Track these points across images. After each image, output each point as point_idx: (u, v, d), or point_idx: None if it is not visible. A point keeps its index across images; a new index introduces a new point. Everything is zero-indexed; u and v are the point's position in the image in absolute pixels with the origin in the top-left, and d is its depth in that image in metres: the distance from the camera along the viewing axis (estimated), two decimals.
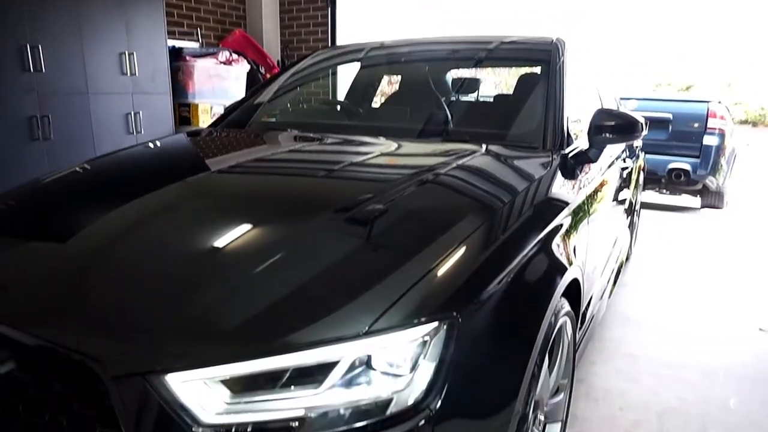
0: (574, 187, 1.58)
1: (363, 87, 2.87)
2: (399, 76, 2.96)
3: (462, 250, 1.02)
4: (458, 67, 2.64)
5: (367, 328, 0.84)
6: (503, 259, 1.06)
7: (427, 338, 0.86)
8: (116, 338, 0.86)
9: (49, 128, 3.61)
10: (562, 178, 1.52)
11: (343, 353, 0.83)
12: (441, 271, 0.95)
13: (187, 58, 4.67)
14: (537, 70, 2.27)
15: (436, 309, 0.89)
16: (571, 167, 1.63)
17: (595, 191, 1.83)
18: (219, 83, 4.77)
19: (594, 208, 1.76)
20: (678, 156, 5.06)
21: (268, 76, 5.44)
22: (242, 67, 4.98)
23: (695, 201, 5.73)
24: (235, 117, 2.27)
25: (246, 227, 1.12)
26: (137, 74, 4.17)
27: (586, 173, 1.75)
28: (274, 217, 1.17)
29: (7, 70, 3.37)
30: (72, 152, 3.77)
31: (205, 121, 4.69)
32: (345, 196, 1.26)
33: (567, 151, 1.65)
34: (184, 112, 4.75)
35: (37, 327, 0.92)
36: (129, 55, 4.10)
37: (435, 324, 0.87)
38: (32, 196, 1.48)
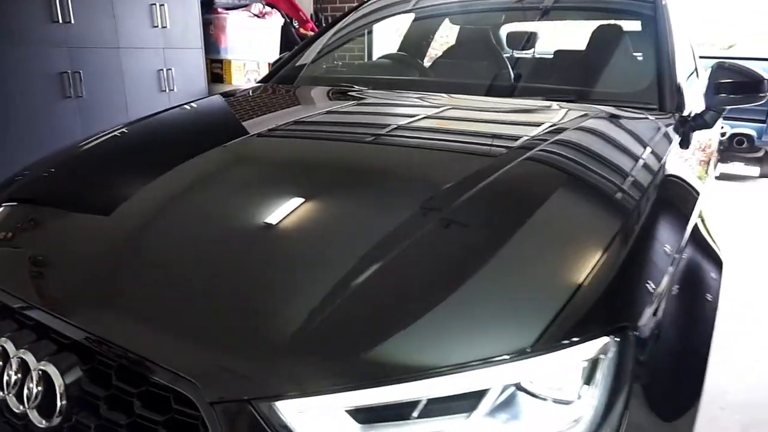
0: (696, 158, 1.35)
1: (417, 40, 2.62)
2: (458, 28, 2.70)
3: (615, 248, 0.80)
4: (538, 19, 2.37)
5: (523, 347, 0.65)
6: (663, 255, 0.85)
7: (597, 357, 0.67)
8: (213, 353, 0.68)
9: (80, 85, 3.43)
10: (689, 147, 1.30)
11: (496, 378, 0.65)
12: (600, 276, 0.75)
13: (219, 9, 4.41)
14: (628, 20, 2.01)
15: (604, 321, 0.70)
16: (688, 133, 1.40)
17: (707, 162, 1.60)
18: (252, 38, 4.51)
19: (707, 182, 1.53)
20: (741, 120, 4.70)
21: (301, 30, 5.16)
22: (276, 21, 4.71)
23: (753, 170, 5.37)
24: (284, 73, 2.06)
25: (336, 212, 0.93)
26: (168, 26, 3.94)
27: (702, 141, 1.52)
28: (364, 200, 0.97)
29: (35, 21, 3.17)
30: (105, 111, 3.60)
31: (238, 78, 4.47)
32: (445, 174, 1.02)
33: (686, 113, 1.41)
34: (216, 69, 4.52)
35: (97, 325, 0.75)
36: (160, 6, 3.86)
37: (605, 339, 0.68)
38: (74, 163, 1.29)
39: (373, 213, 0.91)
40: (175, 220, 0.96)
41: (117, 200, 1.05)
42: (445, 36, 2.84)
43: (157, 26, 3.87)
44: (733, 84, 1.45)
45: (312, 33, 5.24)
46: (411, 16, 2.65)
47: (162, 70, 3.95)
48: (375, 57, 2.42)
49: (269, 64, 4.69)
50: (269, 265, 0.80)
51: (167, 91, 4.00)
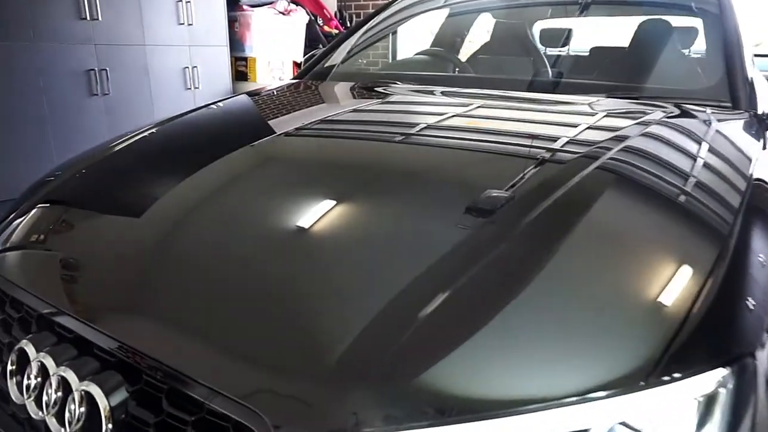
0: None
1: (450, 37, 2.54)
2: (494, 24, 2.61)
3: (721, 268, 0.70)
4: (585, 14, 2.27)
5: (629, 381, 0.56)
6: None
7: (714, 392, 0.59)
8: (281, 380, 0.60)
9: (107, 83, 3.40)
10: (766, 148, 1.19)
11: (597, 416, 0.56)
12: (708, 299, 0.65)
13: (245, 7, 4.36)
14: (688, 15, 1.90)
15: (720, 350, 0.61)
16: (764, 132, 1.29)
17: None
18: (277, 35, 4.46)
19: None
20: None
21: (325, 28, 5.10)
22: (301, 18, 4.65)
23: None
24: (319, 70, 1.99)
25: (393, 220, 0.85)
26: (194, 24, 3.90)
27: None
28: (424, 208, 0.88)
29: (63, 19, 3.14)
30: (130, 109, 3.57)
31: (263, 76, 4.42)
32: (510, 181, 0.91)
33: (760, 111, 1.31)
34: (240, 67, 4.48)
35: (142, 341, 0.68)
36: (186, 3, 3.82)
37: (723, 371, 0.59)
38: (106, 165, 1.22)
39: (436, 223, 0.83)
40: (220, 225, 0.89)
41: (155, 204, 0.98)
42: (482, 32, 2.75)
43: (182, 23, 3.83)
44: None
45: (336, 31, 5.18)
46: (444, 12, 2.57)
47: (187, 67, 3.91)
48: (399, 55, 2.34)
49: (294, 62, 4.64)
50: (330, 277, 0.72)
51: (192, 89, 3.96)
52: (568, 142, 1.07)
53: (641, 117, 1.19)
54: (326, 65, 2.01)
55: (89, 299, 0.79)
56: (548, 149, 1.03)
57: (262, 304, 0.70)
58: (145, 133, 1.36)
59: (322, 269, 0.74)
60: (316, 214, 0.86)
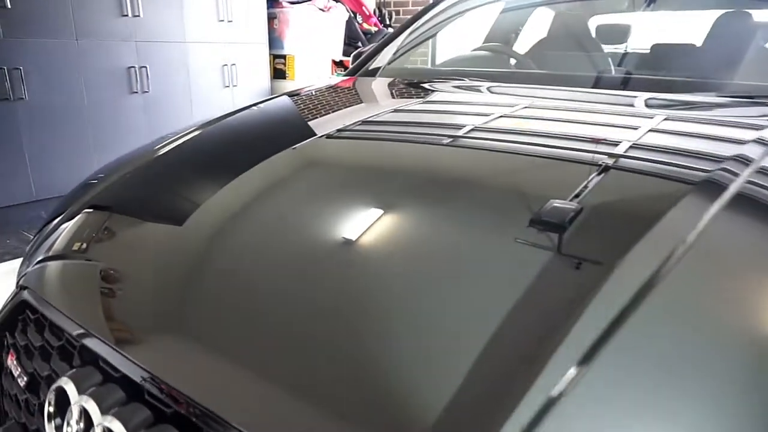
0: None
1: (505, 32, 2.39)
2: (551, 19, 2.45)
3: None
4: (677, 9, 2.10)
5: None
6: None
7: None
8: None
9: (147, 80, 3.35)
10: None
11: None
12: None
13: (284, 3, 4.28)
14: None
15: None
16: None
17: None
18: (316, 33, 4.37)
19: None
20: None
21: (364, 26, 4.98)
22: (341, 15, 4.55)
23: None
24: (368, 68, 1.87)
25: (464, 245, 0.71)
26: (233, 20, 3.83)
27: None
28: (511, 227, 0.73)
29: (104, 15, 3.10)
30: (169, 107, 3.52)
31: (301, 75, 4.33)
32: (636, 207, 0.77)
33: None
34: (278, 64, 4.40)
35: (186, 382, 0.57)
36: None
37: None
38: (155, 170, 1.12)
39: (522, 250, 0.69)
40: (274, 247, 0.77)
41: (206, 217, 0.87)
42: (537, 28, 2.59)
43: (222, 20, 3.76)
44: None
45: (375, 28, 5.07)
46: (497, 8, 2.43)
47: (226, 65, 3.85)
48: (438, 55, 2.21)
49: (332, 60, 4.54)
50: (405, 312, 0.60)
51: (230, 86, 3.90)
52: (699, 156, 0.89)
53: None
54: (376, 63, 1.89)
55: (139, 334, 0.68)
56: (683, 166, 0.85)
57: (328, 348, 0.58)
58: (189, 138, 1.25)
59: (395, 301, 0.62)
60: (374, 235, 0.74)
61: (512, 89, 1.44)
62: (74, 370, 0.66)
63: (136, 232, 0.92)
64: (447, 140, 1.04)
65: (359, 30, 4.86)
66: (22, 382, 0.76)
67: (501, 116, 1.19)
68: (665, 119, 1.13)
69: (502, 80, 1.55)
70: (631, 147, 0.92)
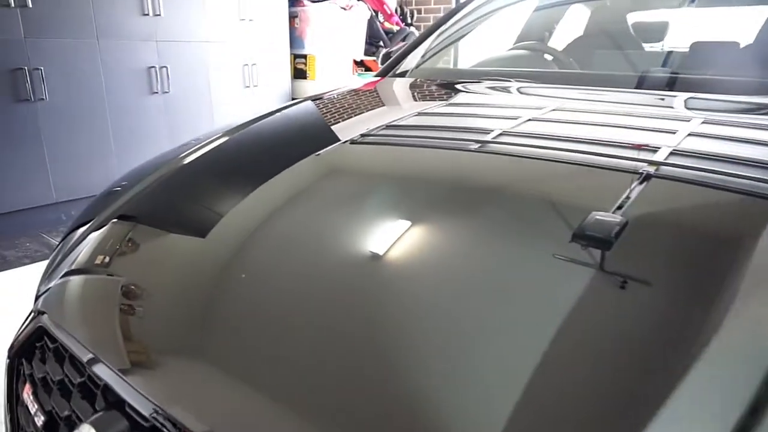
0: None
1: (539, 30, 2.29)
2: (588, 16, 2.34)
3: None
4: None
5: None
6: None
7: None
8: None
9: (167, 80, 3.30)
10: None
11: None
12: None
13: (305, 2, 4.21)
14: None
15: None
16: None
17: None
18: (338, 32, 4.29)
19: None
20: None
21: (386, 25, 4.90)
22: (363, 14, 4.46)
23: None
24: (399, 69, 1.79)
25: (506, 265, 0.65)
26: (254, 20, 3.77)
27: None
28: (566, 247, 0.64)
29: (125, 14, 3.05)
30: (190, 108, 3.46)
31: (322, 75, 4.25)
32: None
33: None
34: (299, 64, 4.33)
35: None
36: None
37: None
38: (184, 179, 1.05)
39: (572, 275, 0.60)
40: (309, 267, 0.70)
41: (237, 231, 0.81)
42: (574, 24, 2.48)
43: (243, 19, 3.70)
44: None
45: (397, 27, 4.97)
46: (531, 5, 2.32)
47: (247, 65, 3.78)
48: (461, 57, 2.12)
49: (354, 60, 4.46)
50: (448, 341, 0.54)
51: (251, 86, 3.83)
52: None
53: None
54: (406, 64, 1.81)
55: (171, 378, 0.60)
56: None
57: (357, 388, 0.52)
58: (214, 147, 1.17)
59: (432, 332, 0.55)
60: (403, 253, 0.67)
61: (549, 90, 1.35)
62: (98, 414, 0.58)
63: (164, 248, 0.84)
64: (477, 146, 0.95)
65: (381, 29, 4.78)
66: (39, 420, 0.68)
67: (535, 119, 1.10)
68: (709, 123, 1.03)
69: (538, 80, 1.44)
70: (675, 154, 0.83)
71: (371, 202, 0.84)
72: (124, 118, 3.14)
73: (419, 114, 1.24)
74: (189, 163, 1.09)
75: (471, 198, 0.80)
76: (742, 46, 1.94)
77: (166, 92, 3.30)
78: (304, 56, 4.29)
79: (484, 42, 2.15)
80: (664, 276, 0.58)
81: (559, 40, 2.34)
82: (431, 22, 5.37)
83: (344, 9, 4.30)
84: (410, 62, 1.81)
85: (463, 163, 0.93)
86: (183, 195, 0.99)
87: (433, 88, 1.54)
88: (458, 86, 1.49)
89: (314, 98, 1.52)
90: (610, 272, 0.58)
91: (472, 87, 1.45)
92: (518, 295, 0.58)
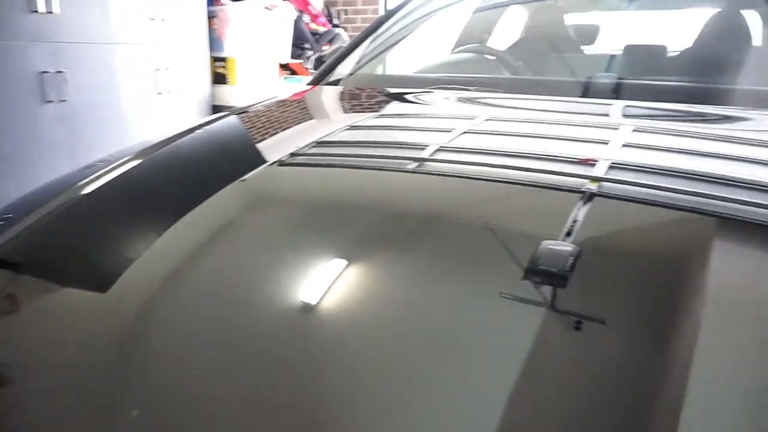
0: None
1: (478, 33, 2.17)
2: (525, 18, 2.25)
3: None
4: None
5: None
6: None
7: None
8: None
9: (65, 87, 2.90)
10: None
11: None
12: None
13: (223, 1, 3.90)
14: None
15: None
16: None
17: None
18: (261, 33, 4.01)
19: None
20: None
21: (311, 26, 4.67)
22: (287, 14, 4.21)
23: None
24: (332, 75, 1.59)
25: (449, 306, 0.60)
26: (166, 19, 3.42)
27: None
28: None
29: (11, 11, 2.64)
30: (93, 118, 3.08)
31: (244, 80, 3.96)
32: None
33: None
34: (219, 69, 4.02)
35: None
36: None
37: None
38: (80, 215, 0.88)
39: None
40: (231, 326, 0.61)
41: (147, 280, 0.70)
42: (512, 26, 2.37)
43: (154, 19, 3.35)
44: None
45: (324, 28, 4.76)
46: (469, 8, 2.19)
47: (159, 69, 3.43)
48: (410, 59, 1.98)
49: (280, 64, 4.21)
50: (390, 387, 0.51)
51: (165, 93, 3.49)
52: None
53: None
54: (341, 70, 1.61)
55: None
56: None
57: None
58: (122, 172, 0.99)
59: (374, 391, 0.50)
60: (336, 298, 0.61)
61: (493, 99, 1.25)
62: None
63: (54, 308, 0.67)
64: (415, 165, 0.87)
65: (307, 30, 4.55)
66: None
67: (477, 132, 1.04)
68: (653, 133, 0.99)
69: (482, 87, 1.33)
70: (621, 168, 0.80)
71: (301, 240, 0.73)
72: (12, 129, 2.72)
73: (352, 128, 1.12)
74: (92, 192, 0.90)
75: (411, 230, 0.73)
76: (682, 49, 1.91)
77: (64, 101, 2.91)
78: (224, 59, 3.98)
79: (422, 46, 1.99)
80: (622, 308, 0.55)
81: (499, 43, 2.23)
82: (359, 23, 5.20)
83: (267, 9, 4.03)
84: (344, 69, 1.61)
85: (400, 186, 0.85)
86: (81, 234, 0.82)
87: (368, 97, 1.41)
88: (396, 95, 1.36)
89: (239, 111, 1.31)
90: (565, 311, 0.55)
91: (411, 96, 1.33)
92: (468, 341, 0.54)
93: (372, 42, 1.67)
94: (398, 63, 1.78)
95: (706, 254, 0.60)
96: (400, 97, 1.34)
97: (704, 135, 0.99)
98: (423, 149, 0.95)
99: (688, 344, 0.49)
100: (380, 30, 1.71)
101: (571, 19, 2.46)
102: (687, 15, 2.23)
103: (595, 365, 0.49)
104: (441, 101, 1.28)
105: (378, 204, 0.81)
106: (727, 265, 0.59)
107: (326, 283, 0.62)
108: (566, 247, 0.59)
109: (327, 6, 5.12)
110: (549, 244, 0.60)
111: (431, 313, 0.57)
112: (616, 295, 0.57)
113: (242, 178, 0.88)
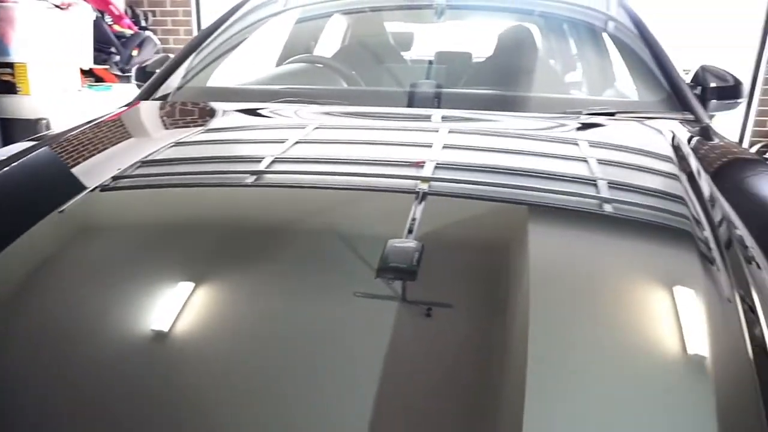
0: None
1: (303, 44, 2.19)
2: (346, 27, 2.34)
3: None
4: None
5: None
6: None
7: None
8: None
9: None
10: None
11: None
12: None
13: None
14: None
15: None
16: None
17: None
18: (54, 35, 3.54)
19: None
20: None
21: (116, 27, 4.25)
22: (85, 15, 3.77)
23: None
24: (162, 89, 1.49)
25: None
26: None
27: None
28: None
29: None
30: None
31: (38, 88, 3.47)
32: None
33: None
34: (5, 76, 3.46)
35: None
36: None
37: None
38: None
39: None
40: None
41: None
42: (335, 35, 2.44)
43: None
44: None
45: (130, 31, 4.38)
46: (294, 17, 2.20)
47: None
48: (244, 69, 1.96)
49: (81, 69, 3.77)
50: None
51: None
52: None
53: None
54: (170, 83, 1.51)
55: None
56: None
57: None
58: None
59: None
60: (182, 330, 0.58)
61: (324, 108, 1.29)
62: None
63: None
64: (252, 178, 0.88)
65: (111, 33, 4.13)
66: None
67: (314, 143, 1.08)
68: (473, 135, 1.12)
69: (313, 98, 1.36)
70: (448, 168, 0.90)
71: (117, 267, 0.69)
72: None
73: (180, 144, 1.07)
74: None
75: (259, 243, 0.72)
76: (486, 57, 2.15)
77: None
78: (11, 65, 3.44)
79: (253, 57, 1.95)
80: (464, 292, 0.62)
81: (326, 52, 2.28)
82: (170, 26, 4.88)
83: (60, 8, 3.58)
84: (174, 82, 1.52)
85: (237, 201, 0.84)
86: None
87: (197, 112, 1.36)
88: (227, 109, 1.34)
89: (54, 137, 1.17)
90: (417, 301, 0.59)
91: (243, 109, 1.31)
92: (331, 342, 0.56)
93: (200, 53, 1.60)
94: (229, 75, 1.73)
95: (525, 236, 0.70)
96: (231, 111, 1.32)
97: (511, 134, 1.14)
98: (258, 162, 0.94)
99: (523, 318, 0.56)
100: (209, 40, 1.64)
101: (389, 27, 2.62)
102: (486, 27, 2.53)
103: (447, 346, 0.55)
104: (276, 113, 1.28)
105: (214, 221, 0.78)
106: (543, 243, 0.69)
107: (172, 308, 0.59)
108: (411, 243, 0.65)
109: (131, 6, 4.70)
110: (395, 243, 0.64)
111: (291, 321, 0.58)
112: (457, 281, 0.64)
113: (59, 210, 0.79)
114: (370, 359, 0.52)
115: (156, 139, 1.17)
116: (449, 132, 1.14)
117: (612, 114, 1.19)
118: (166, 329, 0.57)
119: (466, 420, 0.48)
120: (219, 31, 1.67)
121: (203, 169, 0.95)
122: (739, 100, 1.39)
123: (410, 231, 0.68)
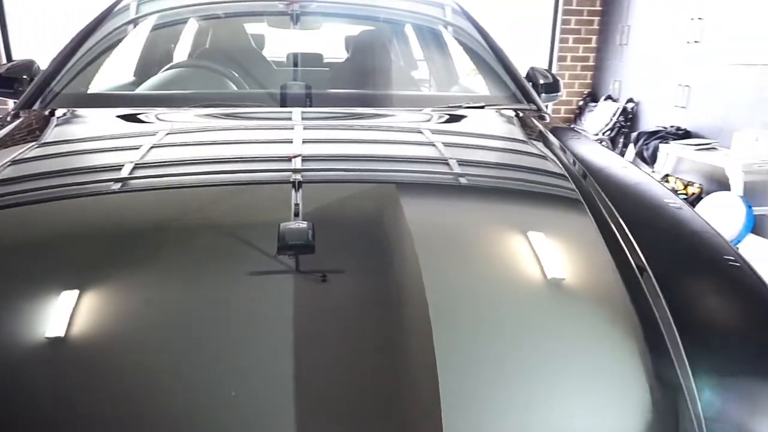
0: None
1: (163, 48, 2.16)
2: (205, 30, 2.34)
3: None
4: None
5: None
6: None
7: None
8: None
9: None
10: None
11: None
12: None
13: None
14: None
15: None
16: None
17: None
18: None
19: None
20: None
21: None
22: None
23: None
24: (45, 95, 1.41)
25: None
26: None
27: None
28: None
29: None
30: None
31: None
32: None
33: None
34: None
35: None
36: None
37: None
38: None
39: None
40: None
41: None
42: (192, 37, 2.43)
43: None
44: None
45: None
46: (149, 23, 2.16)
47: None
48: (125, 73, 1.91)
49: None
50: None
51: None
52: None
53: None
54: (50, 89, 1.45)
55: None
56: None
57: None
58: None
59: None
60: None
61: (197, 111, 1.33)
62: None
63: None
64: (135, 183, 0.88)
65: None
66: None
67: (194, 144, 1.10)
68: (341, 129, 1.25)
69: (187, 102, 1.40)
70: (315, 159, 0.99)
71: None
72: None
73: (31, 159, 0.99)
74: None
75: (150, 246, 0.73)
76: (344, 58, 2.32)
77: None
78: None
79: (127, 62, 1.91)
80: (363, 259, 0.71)
81: (184, 55, 2.27)
82: None
83: None
84: (56, 88, 1.47)
85: (120, 207, 0.83)
86: None
87: (70, 119, 1.31)
88: (106, 116, 1.32)
89: None
90: (312, 270, 0.66)
91: (122, 116, 1.30)
92: (245, 318, 0.61)
93: (81, 59, 1.56)
94: (107, 80, 1.70)
95: (397, 208, 0.80)
96: (108, 118, 1.30)
97: (368, 127, 1.30)
98: (137, 167, 0.93)
99: (415, 272, 0.66)
100: (85, 45, 1.60)
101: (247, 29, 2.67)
102: (342, 30, 2.72)
103: (356, 306, 0.63)
104: (158, 118, 1.30)
105: (106, 226, 0.78)
106: (419, 211, 0.80)
107: (69, 316, 0.60)
108: (303, 224, 0.71)
109: None
110: (289, 225, 0.70)
111: (199, 307, 0.62)
112: (350, 251, 0.72)
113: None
114: (285, 328, 0.58)
115: (12, 150, 1.07)
116: (314, 129, 1.23)
117: (482, 107, 1.45)
118: (62, 335, 0.58)
119: (382, 370, 0.56)
120: (97, 34, 1.63)
121: (61, 181, 0.91)
122: (558, 93, 1.78)
123: (296, 215, 0.74)
